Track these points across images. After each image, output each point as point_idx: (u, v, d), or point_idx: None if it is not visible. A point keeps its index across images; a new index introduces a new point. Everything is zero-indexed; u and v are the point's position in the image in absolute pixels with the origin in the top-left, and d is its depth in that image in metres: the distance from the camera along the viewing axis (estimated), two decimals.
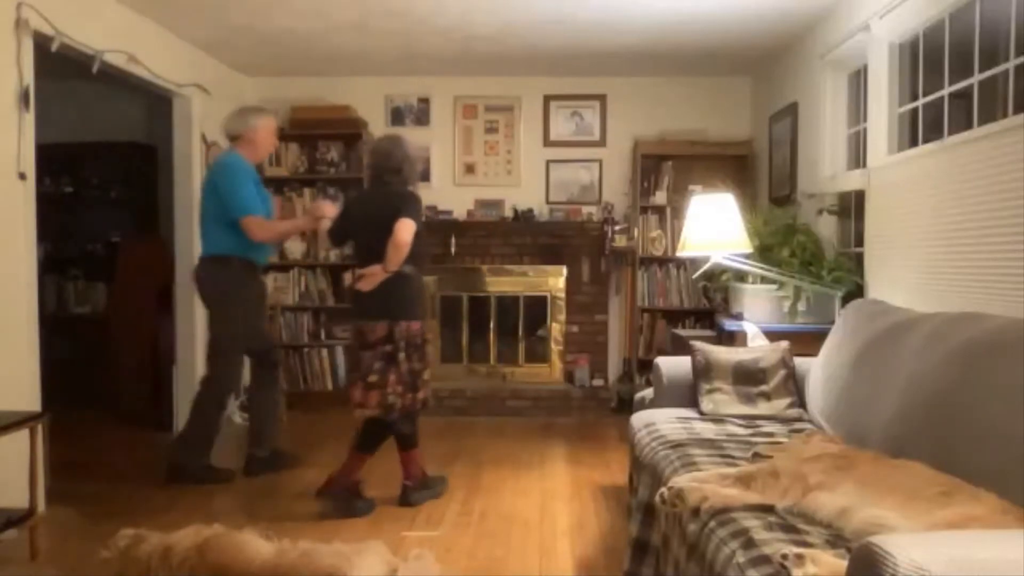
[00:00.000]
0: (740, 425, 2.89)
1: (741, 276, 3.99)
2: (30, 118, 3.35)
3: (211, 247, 3.87)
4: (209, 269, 3.87)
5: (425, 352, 3.50)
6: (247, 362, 4.13)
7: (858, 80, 4.00)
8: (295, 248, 5.63)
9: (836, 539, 1.71)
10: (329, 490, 3.43)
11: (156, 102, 5.15)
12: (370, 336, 3.37)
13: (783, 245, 3.93)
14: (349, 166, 5.64)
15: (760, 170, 5.42)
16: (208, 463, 3.91)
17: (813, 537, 1.73)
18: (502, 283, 5.64)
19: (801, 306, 3.72)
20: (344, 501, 3.39)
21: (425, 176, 5.79)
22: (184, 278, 4.92)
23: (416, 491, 3.53)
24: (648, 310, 5.57)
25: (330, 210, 3.84)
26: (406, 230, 3.31)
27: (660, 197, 5.53)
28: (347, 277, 3.41)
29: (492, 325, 5.69)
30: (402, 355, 3.39)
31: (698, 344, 3.29)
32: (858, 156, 3.94)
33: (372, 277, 3.36)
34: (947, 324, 2.29)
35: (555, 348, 5.66)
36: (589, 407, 5.44)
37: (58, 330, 4.99)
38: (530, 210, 5.65)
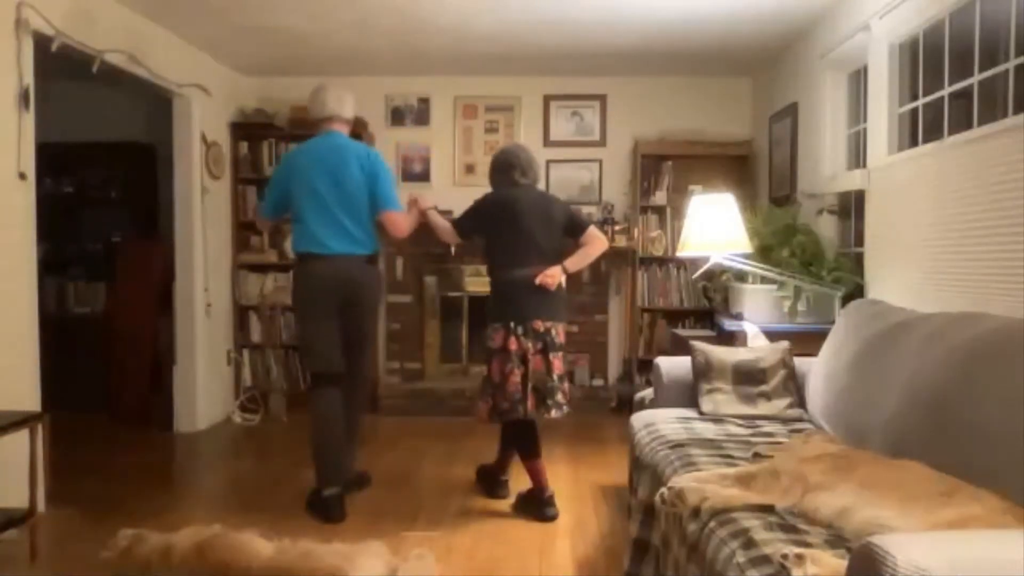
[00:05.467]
0: (740, 425, 2.89)
1: (741, 276, 3.99)
2: (30, 118, 3.35)
3: (369, 244, 3.53)
4: (372, 270, 3.59)
5: None
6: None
7: (858, 80, 4.00)
8: None
9: (836, 539, 1.71)
10: (533, 502, 3.40)
11: (156, 102, 5.15)
12: (557, 338, 3.40)
13: (783, 245, 3.93)
14: None
15: (760, 170, 5.42)
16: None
17: (813, 537, 1.73)
18: None
19: (801, 306, 3.72)
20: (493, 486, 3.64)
21: (425, 176, 5.80)
22: (185, 278, 4.93)
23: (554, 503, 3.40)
24: (648, 310, 5.57)
25: (429, 202, 3.76)
26: (601, 241, 3.48)
27: (660, 197, 5.53)
28: (535, 275, 3.35)
29: None
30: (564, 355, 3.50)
31: (698, 344, 3.29)
32: (858, 156, 3.94)
33: (554, 278, 3.38)
34: (947, 324, 2.29)
35: None
36: (589, 407, 5.44)
37: (58, 330, 4.98)
38: None
